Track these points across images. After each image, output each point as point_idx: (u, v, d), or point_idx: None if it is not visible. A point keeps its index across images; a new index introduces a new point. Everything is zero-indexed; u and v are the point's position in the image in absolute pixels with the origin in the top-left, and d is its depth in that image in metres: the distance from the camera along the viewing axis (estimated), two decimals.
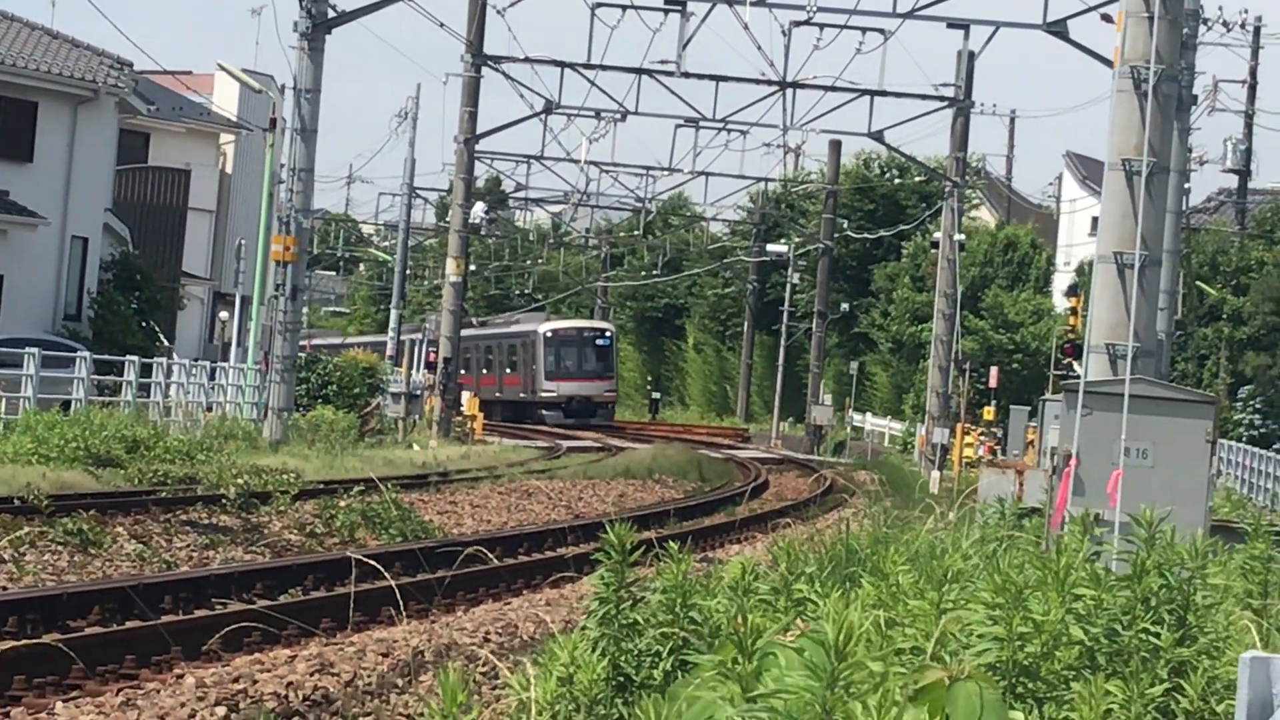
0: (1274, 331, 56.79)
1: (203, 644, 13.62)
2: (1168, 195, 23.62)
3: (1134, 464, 15.84)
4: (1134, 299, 19.36)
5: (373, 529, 23.30)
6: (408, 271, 79.26)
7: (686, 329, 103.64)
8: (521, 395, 79.74)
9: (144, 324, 46.81)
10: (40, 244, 43.95)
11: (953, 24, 47.41)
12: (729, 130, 57.90)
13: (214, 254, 63.39)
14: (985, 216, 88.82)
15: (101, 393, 38.04)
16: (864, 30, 46.25)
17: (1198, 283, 58.53)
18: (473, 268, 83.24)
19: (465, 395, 60.18)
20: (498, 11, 49.98)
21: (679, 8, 46.70)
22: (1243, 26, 57.71)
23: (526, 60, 51.88)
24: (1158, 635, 7.39)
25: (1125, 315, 19.33)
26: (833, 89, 50.31)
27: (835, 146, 73.44)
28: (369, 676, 12.60)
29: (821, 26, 45.91)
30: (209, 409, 42.55)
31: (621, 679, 7.63)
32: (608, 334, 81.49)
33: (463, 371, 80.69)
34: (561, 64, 51.48)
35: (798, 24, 46.58)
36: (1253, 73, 60.11)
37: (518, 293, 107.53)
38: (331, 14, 39.63)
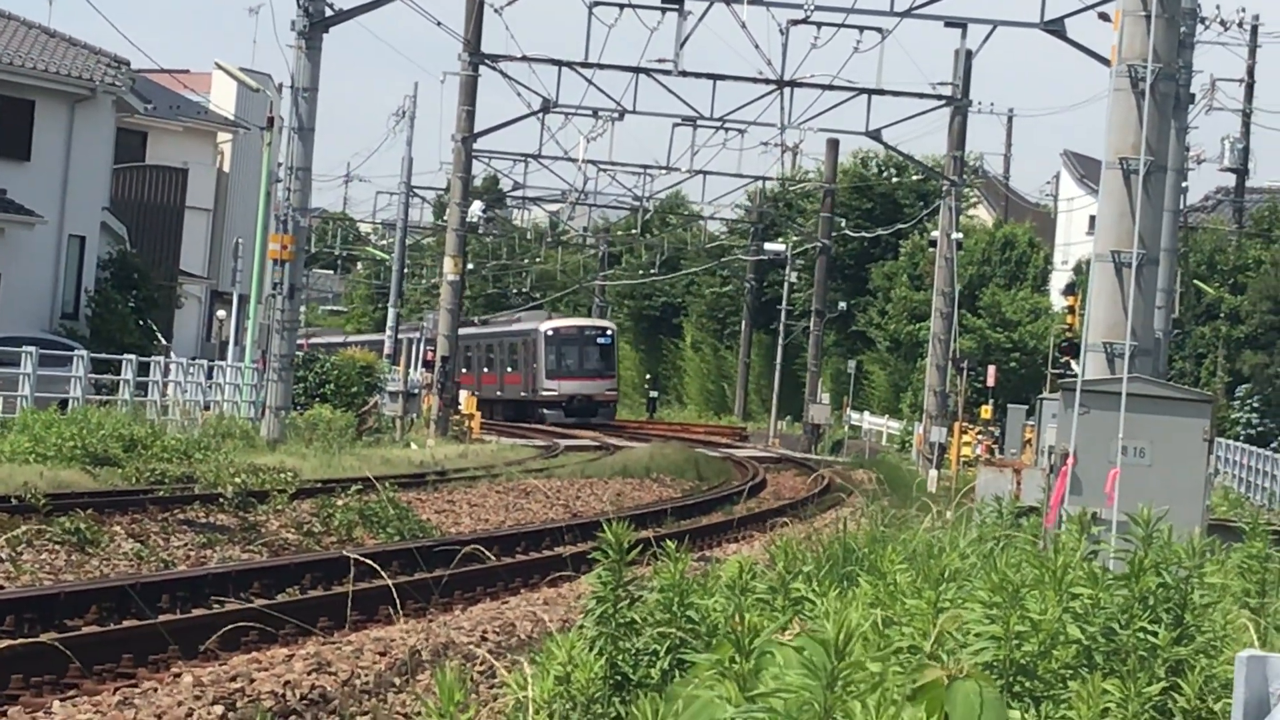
0: (1271, 330, 56.79)
1: (200, 643, 13.61)
2: (1165, 194, 23.60)
3: (1131, 463, 15.84)
4: (1131, 298, 19.37)
5: (370, 528, 23.30)
6: (405, 270, 79.22)
7: (684, 328, 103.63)
8: (522, 394, 79.65)
9: (141, 323, 46.80)
10: (37, 243, 43.94)
11: (950, 23, 47.43)
12: (726, 129, 57.95)
13: (211, 253, 63.38)
14: (983, 215, 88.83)
15: (99, 391, 38.03)
16: (861, 29, 46.28)
17: (1195, 281, 58.55)
18: (470, 266, 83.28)
19: (463, 394, 60.16)
20: (495, 10, 50.00)
21: (676, 6, 46.69)
22: (1240, 25, 57.75)
23: (524, 59, 51.89)
24: (1155, 634, 7.39)
25: (1123, 314, 19.34)
26: (830, 88, 50.33)
27: (833, 145, 73.45)
28: (366, 676, 12.60)
29: (819, 25, 45.93)
30: (206, 408, 42.56)
31: (619, 678, 7.62)
32: (609, 332, 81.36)
33: (464, 370, 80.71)
34: (559, 63, 51.49)
35: (795, 23, 46.59)
36: (1250, 71, 60.12)
37: (515, 291, 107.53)
38: (329, 13, 39.62)
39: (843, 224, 77.64)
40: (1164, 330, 36.75)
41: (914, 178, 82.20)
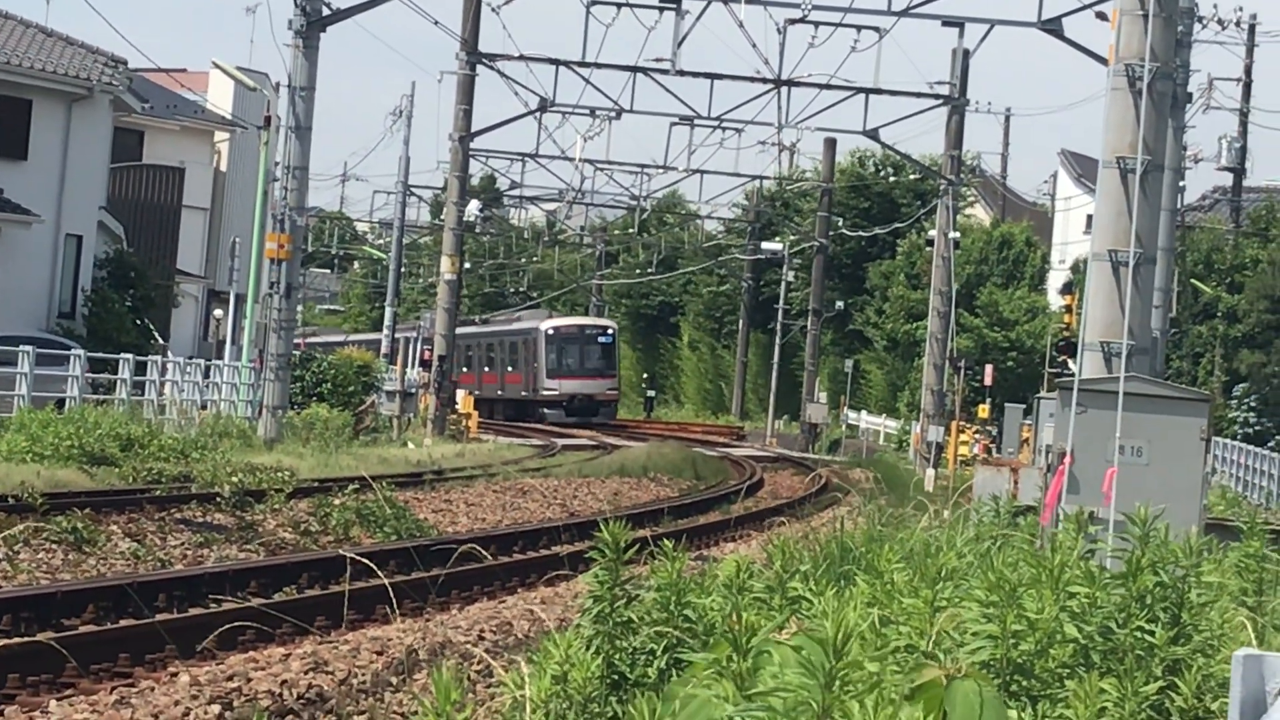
0: (1269, 329, 56.81)
1: (197, 642, 13.61)
2: (1162, 193, 23.60)
3: (1129, 462, 15.84)
4: (1129, 297, 19.38)
5: (367, 527, 23.29)
6: (402, 269, 79.17)
7: (681, 327, 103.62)
8: (523, 393, 79.55)
9: (138, 322, 46.78)
10: (34, 242, 43.93)
11: (948, 22, 47.45)
12: (724, 128, 57.98)
13: (208, 252, 63.37)
14: (980, 214, 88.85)
15: (96, 391, 38.03)
16: (859, 28, 46.29)
17: (1192, 281, 58.56)
18: (467, 266, 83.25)
19: (460, 393, 60.16)
20: (493, 9, 50.00)
21: (674, 6, 46.70)
22: (1238, 24, 57.82)
23: (521, 58, 51.87)
24: (1152, 633, 7.39)
25: (1120, 313, 19.34)
26: (828, 87, 50.34)
27: (830, 144, 73.48)
28: (363, 675, 12.60)
29: (816, 25, 45.93)
30: (203, 407, 42.57)
31: (616, 677, 7.62)
32: (610, 331, 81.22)
33: (464, 370, 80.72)
34: (556, 62, 51.48)
35: (793, 22, 46.61)
36: (1247, 70, 60.13)
37: (512, 291, 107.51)
38: (326, 12, 39.62)
39: (840, 223, 77.64)
40: (1161, 329, 36.77)
41: (911, 177, 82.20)
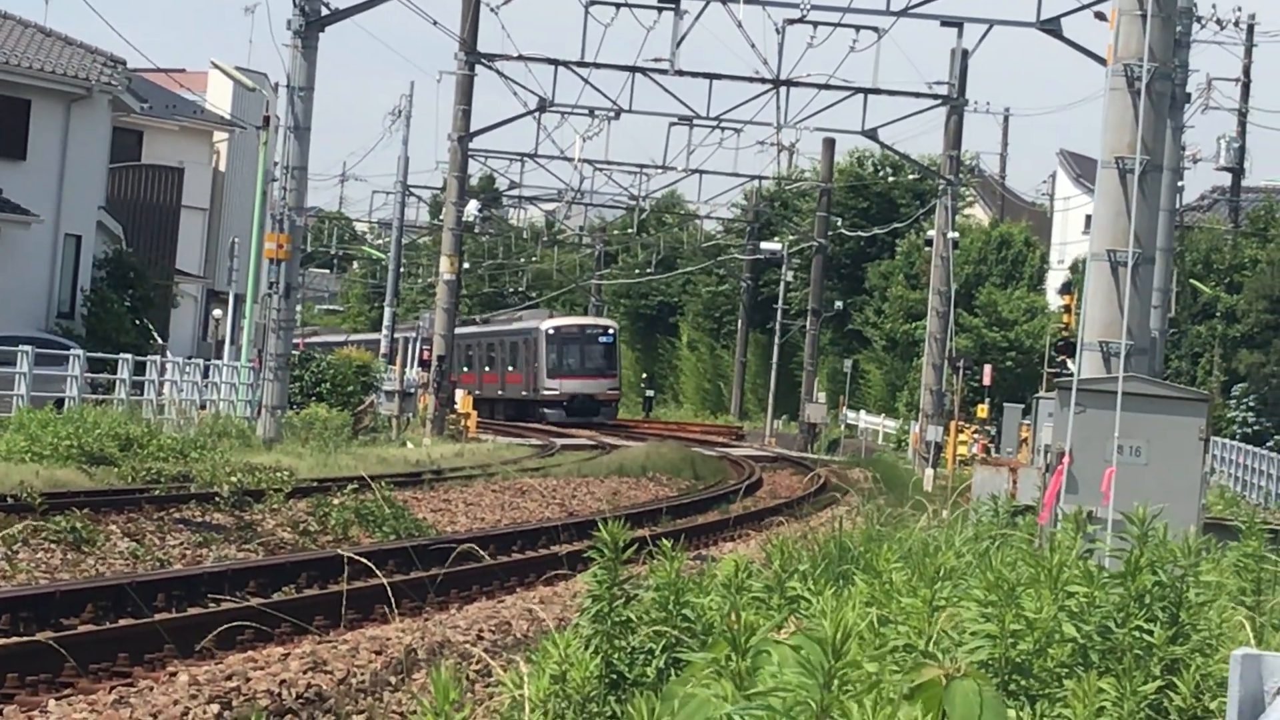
0: (1267, 329, 56.82)
1: (196, 642, 13.61)
2: (1161, 193, 23.60)
3: (1127, 461, 15.85)
4: (1127, 297, 19.38)
5: (366, 527, 23.29)
6: (401, 269, 79.20)
7: (680, 327, 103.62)
8: (524, 393, 79.47)
9: (137, 322, 46.79)
10: (33, 242, 43.93)
11: (946, 22, 47.46)
12: (723, 128, 58.01)
13: (207, 252, 63.37)
14: (979, 214, 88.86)
15: (95, 391, 38.03)
16: (858, 28, 46.32)
17: (1191, 280, 58.56)
18: (466, 266, 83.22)
19: (459, 393, 60.15)
20: (491, 9, 50.01)
21: (673, 6, 46.71)
22: (1236, 24, 57.80)
23: (520, 58, 51.87)
24: (1150, 633, 7.40)
25: (1119, 313, 19.35)
26: (826, 87, 50.35)
27: (829, 144, 73.47)
28: (362, 674, 12.60)
29: (815, 24, 45.96)
30: (202, 407, 42.57)
31: (615, 676, 7.62)
32: (610, 331, 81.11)
33: (465, 369, 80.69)
34: (555, 62, 51.48)
35: (791, 22, 46.62)
36: (1246, 71, 60.12)
37: (511, 291, 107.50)
38: (325, 12, 39.62)
39: (839, 223, 77.65)
40: (1160, 329, 36.78)
41: (910, 177, 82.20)
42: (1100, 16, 39.65)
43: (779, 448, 66.22)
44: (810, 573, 9.32)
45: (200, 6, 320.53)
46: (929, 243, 58.42)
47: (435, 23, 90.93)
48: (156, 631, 13.61)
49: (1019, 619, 6.97)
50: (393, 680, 12.47)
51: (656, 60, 49.29)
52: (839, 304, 79.43)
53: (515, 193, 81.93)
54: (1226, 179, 63.74)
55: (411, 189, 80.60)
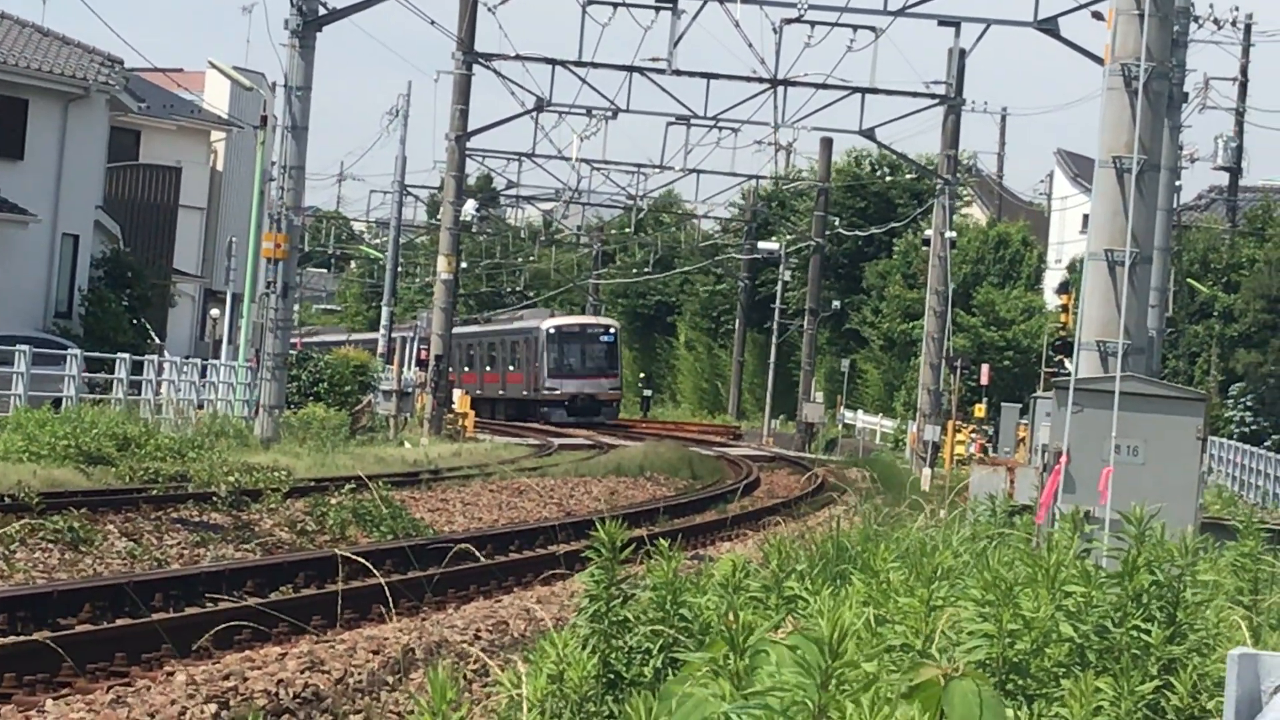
0: (1265, 329, 56.84)
1: (193, 641, 13.60)
2: (1158, 193, 23.62)
3: (1125, 461, 15.86)
4: (1125, 296, 19.39)
5: (364, 526, 23.29)
6: (399, 269, 79.18)
7: (678, 326, 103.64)
8: (525, 393, 79.35)
9: (135, 321, 46.79)
10: (31, 241, 43.94)
11: (944, 21, 47.45)
12: (720, 128, 58.02)
13: (205, 251, 63.35)
14: (976, 214, 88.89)
15: (92, 390, 38.02)
16: (855, 28, 46.32)
17: (1189, 280, 58.59)
18: (464, 265, 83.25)
19: (457, 393, 60.14)
20: (489, 9, 50.03)
21: (670, 5, 46.71)
22: (1234, 24, 57.85)
23: (518, 58, 51.87)
24: (1148, 632, 7.40)
25: (1116, 312, 19.35)
26: (824, 87, 50.36)
27: (826, 144, 73.48)
28: (359, 674, 12.59)
29: (813, 24, 45.96)
30: (200, 406, 42.55)
31: (612, 676, 7.62)
32: (612, 331, 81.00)
33: (466, 369, 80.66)
34: (553, 61, 51.48)
35: (789, 21, 46.62)
36: (1243, 70, 60.15)
37: (509, 290, 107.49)
38: (322, 11, 39.61)
39: (836, 223, 77.66)
40: (1157, 329, 36.79)
41: (908, 176, 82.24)
42: (1098, 16, 39.68)
43: (776, 447, 66.21)
44: (808, 572, 9.32)
45: (198, 6, 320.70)
46: (926, 242, 58.43)
47: (433, 22, 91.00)
48: (154, 631, 13.61)
49: (1016, 619, 6.98)
50: (390, 680, 12.47)
51: (654, 60, 49.31)
52: (836, 303, 79.45)
53: (513, 192, 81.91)
54: (1224, 178, 63.78)
55: (409, 188, 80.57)
